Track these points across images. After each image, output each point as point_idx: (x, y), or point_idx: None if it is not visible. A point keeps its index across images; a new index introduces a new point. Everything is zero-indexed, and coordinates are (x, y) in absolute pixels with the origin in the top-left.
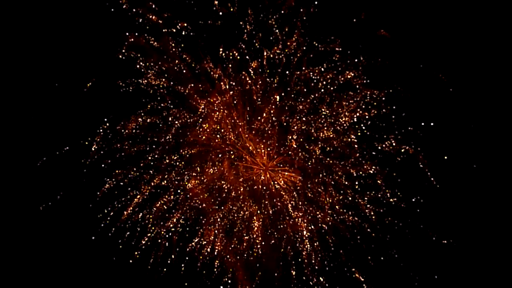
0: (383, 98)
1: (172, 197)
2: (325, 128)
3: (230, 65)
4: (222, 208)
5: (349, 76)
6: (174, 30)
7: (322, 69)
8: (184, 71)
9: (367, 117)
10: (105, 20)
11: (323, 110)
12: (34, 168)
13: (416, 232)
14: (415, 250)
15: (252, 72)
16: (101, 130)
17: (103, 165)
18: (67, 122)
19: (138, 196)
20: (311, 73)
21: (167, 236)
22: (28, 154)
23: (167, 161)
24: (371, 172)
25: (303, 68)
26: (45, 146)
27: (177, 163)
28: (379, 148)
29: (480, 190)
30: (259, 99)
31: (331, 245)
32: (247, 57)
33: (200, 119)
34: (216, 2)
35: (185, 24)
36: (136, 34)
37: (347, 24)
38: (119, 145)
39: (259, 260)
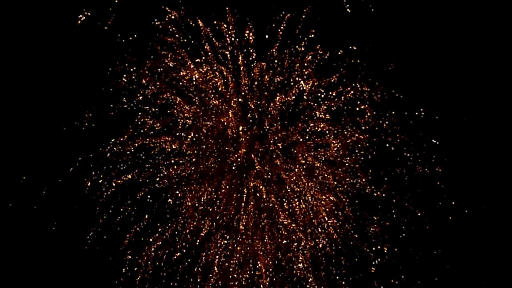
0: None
1: (169, 223)
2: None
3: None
4: (222, 231)
5: (351, 96)
6: (168, 41)
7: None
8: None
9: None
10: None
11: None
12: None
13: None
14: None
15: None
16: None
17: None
18: (66, 146)
19: (134, 227)
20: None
21: (168, 261)
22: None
23: (164, 181)
24: (378, 194)
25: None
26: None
27: (174, 183)
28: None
29: (486, 204)
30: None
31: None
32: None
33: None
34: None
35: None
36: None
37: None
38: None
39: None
